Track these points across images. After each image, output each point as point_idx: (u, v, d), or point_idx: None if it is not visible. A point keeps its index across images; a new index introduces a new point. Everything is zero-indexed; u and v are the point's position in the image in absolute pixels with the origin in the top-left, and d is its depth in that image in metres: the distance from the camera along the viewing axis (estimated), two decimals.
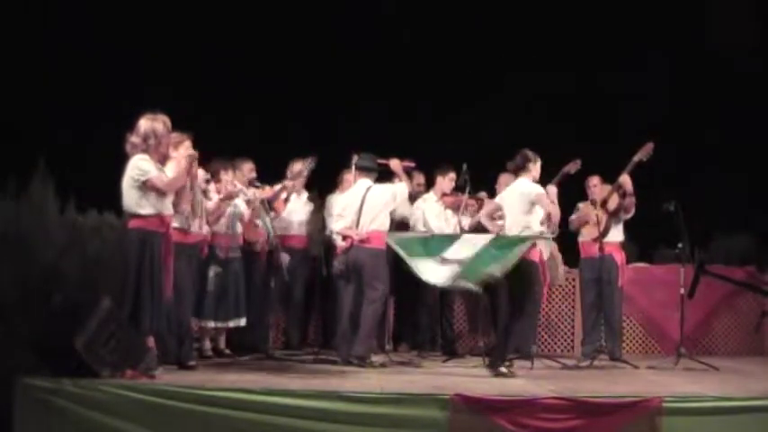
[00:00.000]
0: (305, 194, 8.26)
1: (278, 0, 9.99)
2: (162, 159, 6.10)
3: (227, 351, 7.47)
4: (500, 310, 7.19)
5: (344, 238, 7.24)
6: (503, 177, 8.45)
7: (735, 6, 9.93)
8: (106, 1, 9.40)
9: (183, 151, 6.28)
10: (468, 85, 10.18)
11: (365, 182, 7.31)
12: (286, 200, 7.85)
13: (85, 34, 9.34)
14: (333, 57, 10.01)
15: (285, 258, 7.61)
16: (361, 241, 7.11)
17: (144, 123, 5.96)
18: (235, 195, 7.20)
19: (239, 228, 7.42)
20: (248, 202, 7.43)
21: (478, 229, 7.49)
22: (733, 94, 10.01)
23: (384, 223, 7.19)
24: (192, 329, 6.85)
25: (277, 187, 7.73)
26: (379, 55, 10.03)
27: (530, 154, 7.00)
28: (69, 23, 9.32)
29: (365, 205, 7.17)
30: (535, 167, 7.01)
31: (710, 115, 10.10)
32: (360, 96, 9.91)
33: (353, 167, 7.44)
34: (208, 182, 6.99)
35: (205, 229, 6.81)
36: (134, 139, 5.95)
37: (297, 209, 8.11)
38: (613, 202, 7.80)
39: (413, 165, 7.62)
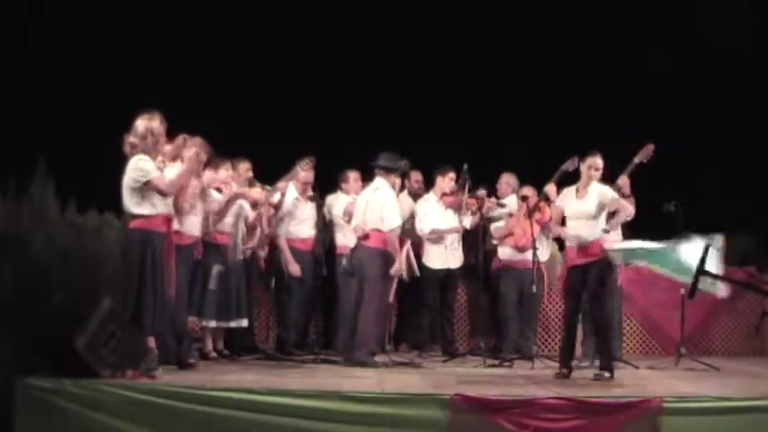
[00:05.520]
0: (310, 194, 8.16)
1: (278, 1, 9.99)
2: (174, 158, 6.13)
3: (226, 351, 7.47)
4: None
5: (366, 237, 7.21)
6: (503, 177, 8.47)
7: (735, 4, 9.91)
8: (106, 1, 9.40)
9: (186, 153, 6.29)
10: (467, 85, 10.17)
11: (380, 181, 7.29)
12: (279, 201, 7.82)
13: (85, 33, 9.34)
14: (334, 57, 10.01)
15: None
16: (360, 239, 7.16)
17: (141, 123, 5.94)
18: (239, 198, 7.21)
19: (243, 227, 7.42)
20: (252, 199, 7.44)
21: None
22: (733, 92, 10.00)
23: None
24: (189, 329, 6.84)
25: (280, 184, 7.73)
26: (379, 54, 10.02)
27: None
28: (68, 23, 9.32)
29: (370, 204, 7.19)
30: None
31: (710, 115, 10.09)
32: (360, 96, 9.90)
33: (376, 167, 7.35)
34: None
35: (197, 228, 6.80)
36: (132, 139, 5.94)
37: (305, 212, 7.98)
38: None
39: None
